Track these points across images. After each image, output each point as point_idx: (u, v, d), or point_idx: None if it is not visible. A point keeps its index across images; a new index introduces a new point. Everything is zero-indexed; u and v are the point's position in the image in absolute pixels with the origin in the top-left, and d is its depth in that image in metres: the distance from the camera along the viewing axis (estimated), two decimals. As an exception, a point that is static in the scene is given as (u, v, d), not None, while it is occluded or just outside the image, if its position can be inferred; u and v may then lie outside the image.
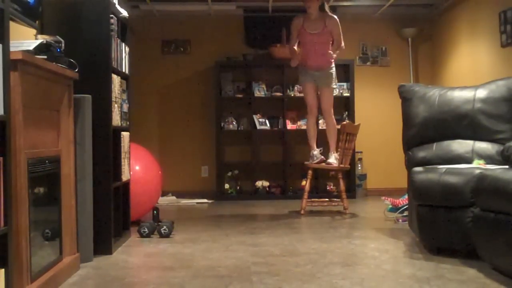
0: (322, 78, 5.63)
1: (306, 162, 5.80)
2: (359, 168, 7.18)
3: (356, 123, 6.92)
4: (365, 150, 7.12)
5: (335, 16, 5.65)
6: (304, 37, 5.62)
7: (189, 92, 7.21)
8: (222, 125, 6.96)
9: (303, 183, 6.89)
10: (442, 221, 3.44)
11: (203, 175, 7.19)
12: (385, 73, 7.31)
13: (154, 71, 7.15)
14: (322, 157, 5.75)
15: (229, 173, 7.02)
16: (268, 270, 3.21)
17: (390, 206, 5.14)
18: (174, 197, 6.84)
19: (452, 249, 3.49)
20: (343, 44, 5.66)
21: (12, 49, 2.41)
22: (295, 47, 5.76)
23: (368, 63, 7.35)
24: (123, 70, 4.11)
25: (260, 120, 7.01)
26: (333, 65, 5.68)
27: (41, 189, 2.88)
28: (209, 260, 3.50)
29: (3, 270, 2.30)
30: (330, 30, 5.58)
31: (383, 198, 5.39)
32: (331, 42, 5.66)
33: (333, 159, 5.67)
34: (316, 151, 5.74)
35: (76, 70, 3.21)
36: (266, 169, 7.04)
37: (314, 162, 5.71)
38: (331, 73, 5.65)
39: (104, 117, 3.65)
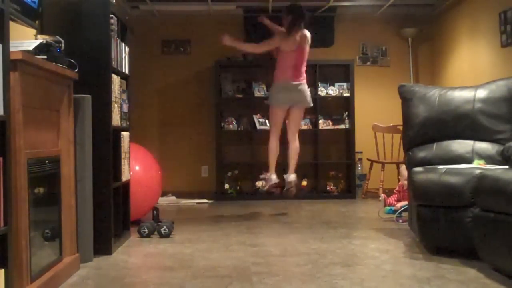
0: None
1: (260, 186, 5.82)
2: (359, 168, 7.18)
3: (356, 123, 6.93)
4: (365, 150, 7.11)
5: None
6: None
7: (189, 92, 7.20)
8: (222, 125, 6.95)
9: (303, 183, 6.91)
10: (442, 221, 3.44)
11: (203, 175, 7.19)
12: (385, 73, 7.30)
13: (154, 71, 7.14)
14: (278, 180, 5.71)
15: (229, 173, 7.02)
16: (268, 270, 3.21)
17: (388, 207, 5.17)
18: (174, 197, 6.83)
19: (452, 249, 3.49)
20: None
21: (12, 49, 2.41)
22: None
23: (368, 63, 7.34)
24: (123, 70, 4.11)
25: (260, 120, 7.00)
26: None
27: (41, 189, 2.88)
28: (209, 260, 3.50)
29: (3, 270, 2.30)
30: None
31: (381, 196, 5.43)
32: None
33: (292, 178, 5.65)
34: (274, 175, 5.68)
35: (76, 70, 3.21)
36: (266, 169, 7.02)
37: (270, 184, 5.68)
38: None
39: (104, 117, 3.65)
